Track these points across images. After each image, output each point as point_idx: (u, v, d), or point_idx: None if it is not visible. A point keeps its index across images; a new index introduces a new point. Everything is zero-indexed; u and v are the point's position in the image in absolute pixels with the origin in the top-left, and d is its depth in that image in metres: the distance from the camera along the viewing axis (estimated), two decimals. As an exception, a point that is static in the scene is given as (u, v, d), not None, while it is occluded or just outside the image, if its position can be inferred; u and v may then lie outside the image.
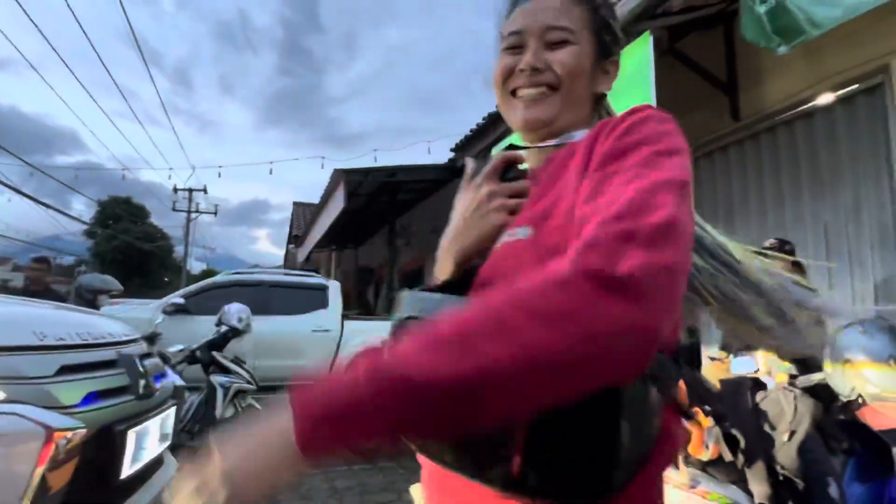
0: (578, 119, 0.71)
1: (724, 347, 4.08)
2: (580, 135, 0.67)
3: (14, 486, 1.34)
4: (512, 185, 0.67)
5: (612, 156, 0.54)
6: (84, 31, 8.66)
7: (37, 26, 8.31)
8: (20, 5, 7.53)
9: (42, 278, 5.29)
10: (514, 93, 0.71)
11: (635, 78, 3.93)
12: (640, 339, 0.41)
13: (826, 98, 3.75)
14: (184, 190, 26.10)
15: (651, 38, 3.76)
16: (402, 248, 10.65)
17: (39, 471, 1.36)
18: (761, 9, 2.78)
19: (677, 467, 1.75)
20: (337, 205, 7.51)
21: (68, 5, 7.97)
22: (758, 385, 2.17)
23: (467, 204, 0.69)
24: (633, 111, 0.60)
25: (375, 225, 11.42)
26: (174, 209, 26.38)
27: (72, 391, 1.57)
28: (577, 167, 0.59)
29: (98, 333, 1.90)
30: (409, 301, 0.60)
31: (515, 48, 0.70)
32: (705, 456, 1.75)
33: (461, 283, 0.61)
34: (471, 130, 6.74)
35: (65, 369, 1.59)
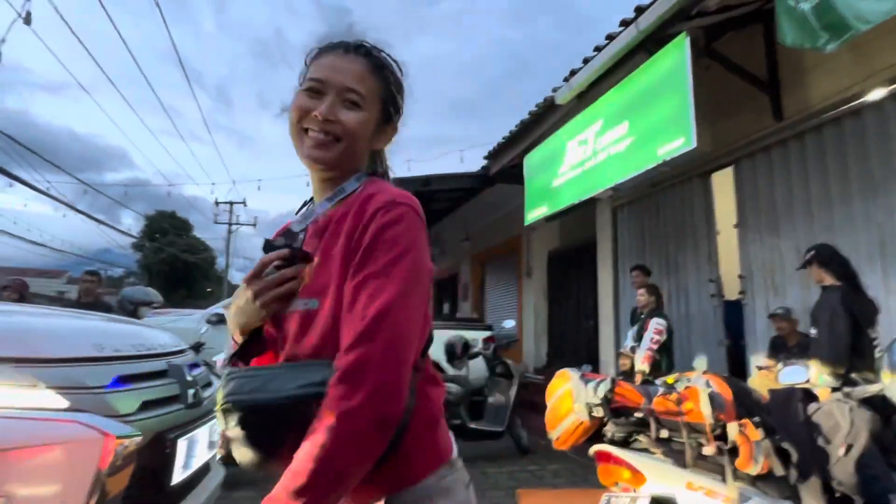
0: (353, 167, 0.86)
1: (772, 356, 3.93)
2: (351, 186, 0.85)
3: (78, 490, 1.41)
4: (276, 278, 0.77)
5: (364, 261, 0.73)
6: (132, 55, 9.13)
7: (88, 52, 8.80)
8: (73, 32, 8.01)
9: (93, 290, 5.54)
10: (305, 130, 0.82)
11: (671, 81, 3.86)
12: (385, 429, 0.68)
13: (877, 94, 3.59)
14: (224, 203, 26.99)
15: (687, 40, 3.70)
16: (435, 256, 10.70)
17: (100, 476, 1.43)
18: (805, 6, 2.69)
19: (725, 480, 1.69)
20: (371, 215, 7.62)
21: (117, 31, 8.42)
22: (810, 396, 2.08)
23: (242, 295, 0.80)
24: (383, 208, 0.76)
25: (409, 234, 11.49)
26: (216, 222, 27.31)
27: (127, 400, 1.65)
28: (342, 251, 0.77)
29: (150, 345, 1.98)
30: (225, 384, 0.75)
31: (314, 93, 0.82)
32: (754, 470, 1.69)
33: (252, 342, 0.82)
34: (504, 138, 6.74)
35: (121, 379, 1.67)
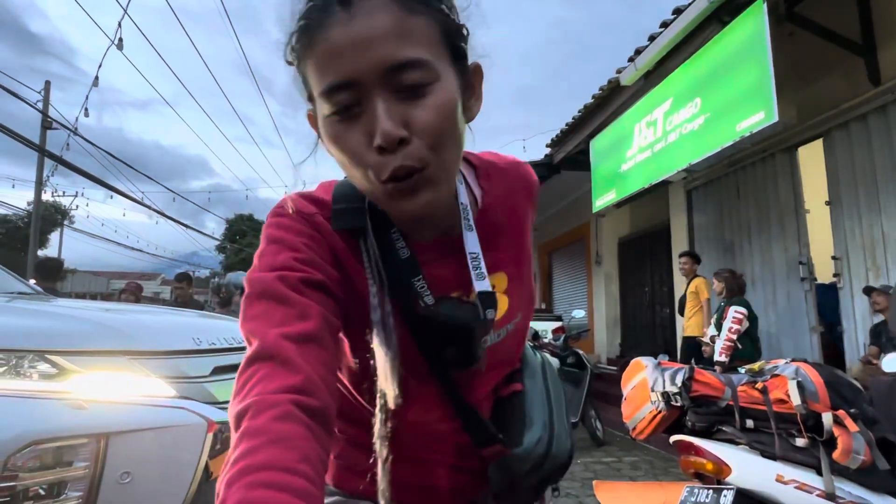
0: (455, 179, 0.56)
1: (875, 344, 3.61)
2: (461, 188, 0.60)
3: (185, 471, 1.56)
4: None
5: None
6: (209, 69, 9.75)
7: (171, 69, 9.49)
8: (158, 54, 8.67)
9: (186, 292, 6.05)
10: (385, 180, 0.49)
11: (748, 51, 3.62)
12: None
13: None
14: (297, 204, 28.18)
15: (765, 6, 3.45)
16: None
17: (204, 458, 1.57)
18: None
19: (819, 474, 1.59)
20: (436, 209, 7.72)
21: (196, 49, 9.03)
22: (919, 385, 1.90)
23: None
24: (532, 174, 0.73)
25: (474, 226, 11.54)
26: (289, 222, 28.64)
27: (224, 388, 1.80)
28: (521, 257, 0.68)
29: (240, 338, 2.14)
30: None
31: (347, 110, 0.48)
32: (854, 464, 1.57)
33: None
34: (567, 124, 6.60)
35: (217, 370, 1.83)
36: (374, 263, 0.57)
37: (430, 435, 0.64)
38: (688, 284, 5.30)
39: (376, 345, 0.55)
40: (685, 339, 5.29)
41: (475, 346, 0.58)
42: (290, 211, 0.57)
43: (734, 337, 4.06)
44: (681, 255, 5.49)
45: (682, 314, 5.41)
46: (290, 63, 0.53)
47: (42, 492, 1.33)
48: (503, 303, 0.64)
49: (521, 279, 0.67)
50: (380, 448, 0.56)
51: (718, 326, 4.32)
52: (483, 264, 0.59)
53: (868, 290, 3.74)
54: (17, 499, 1.28)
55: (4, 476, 1.26)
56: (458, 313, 0.57)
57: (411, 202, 0.50)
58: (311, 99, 0.53)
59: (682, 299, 5.37)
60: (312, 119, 0.56)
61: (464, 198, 0.60)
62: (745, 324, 4.12)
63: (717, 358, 4.09)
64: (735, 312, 4.13)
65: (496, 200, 0.65)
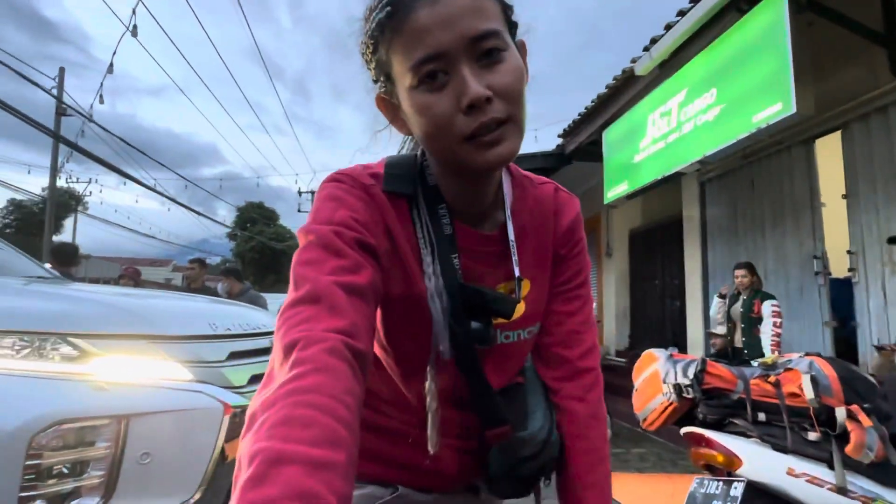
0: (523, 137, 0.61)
1: None
2: (505, 181, 0.68)
3: (203, 453, 1.59)
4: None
5: (584, 276, 0.75)
6: (221, 57, 9.77)
7: (184, 56, 9.52)
8: (172, 41, 8.70)
9: (200, 277, 6.07)
10: (468, 137, 0.54)
11: (767, 41, 3.56)
12: None
13: None
14: (307, 192, 28.36)
15: (785, -5, 3.38)
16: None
17: (221, 441, 1.60)
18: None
19: (831, 468, 1.59)
20: (447, 199, 7.70)
21: (208, 37, 9.04)
22: (934, 381, 1.88)
23: None
24: (574, 203, 0.74)
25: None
26: (299, 210, 28.85)
27: (239, 373, 1.83)
28: (549, 275, 0.72)
29: (255, 324, 2.17)
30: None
31: (434, 80, 0.53)
32: (867, 458, 1.57)
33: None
34: (580, 114, 6.54)
35: (232, 355, 1.86)
36: (426, 231, 0.63)
37: (442, 417, 0.67)
38: None
39: (431, 305, 0.61)
40: None
41: (491, 330, 0.64)
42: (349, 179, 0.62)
43: (780, 331, 4.03)
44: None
45: None
46: (366, 51, 0.60)
47: (65, 470, 1.37)
48: (520, 307, 0.68)
49: (540, 292, 0.71)
50: (430, 401, 0.64)
51: (748, 321, 4.25)
52: (516, 253, 0.66)
53: None
54: (41, 476, 1.32)
55: (30, 454, 1.30)
56: (488, 293, 0.63)
57: (495, 150, 0.55)
58: (386, 79, 0.60)
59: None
60: (382, 101, 0.63)
61: (507, 189, 0.68)
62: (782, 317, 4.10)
63: (770, 356, 4.05)
64: (773, 306, 4.10)
65: (524, 208, 0.70)
